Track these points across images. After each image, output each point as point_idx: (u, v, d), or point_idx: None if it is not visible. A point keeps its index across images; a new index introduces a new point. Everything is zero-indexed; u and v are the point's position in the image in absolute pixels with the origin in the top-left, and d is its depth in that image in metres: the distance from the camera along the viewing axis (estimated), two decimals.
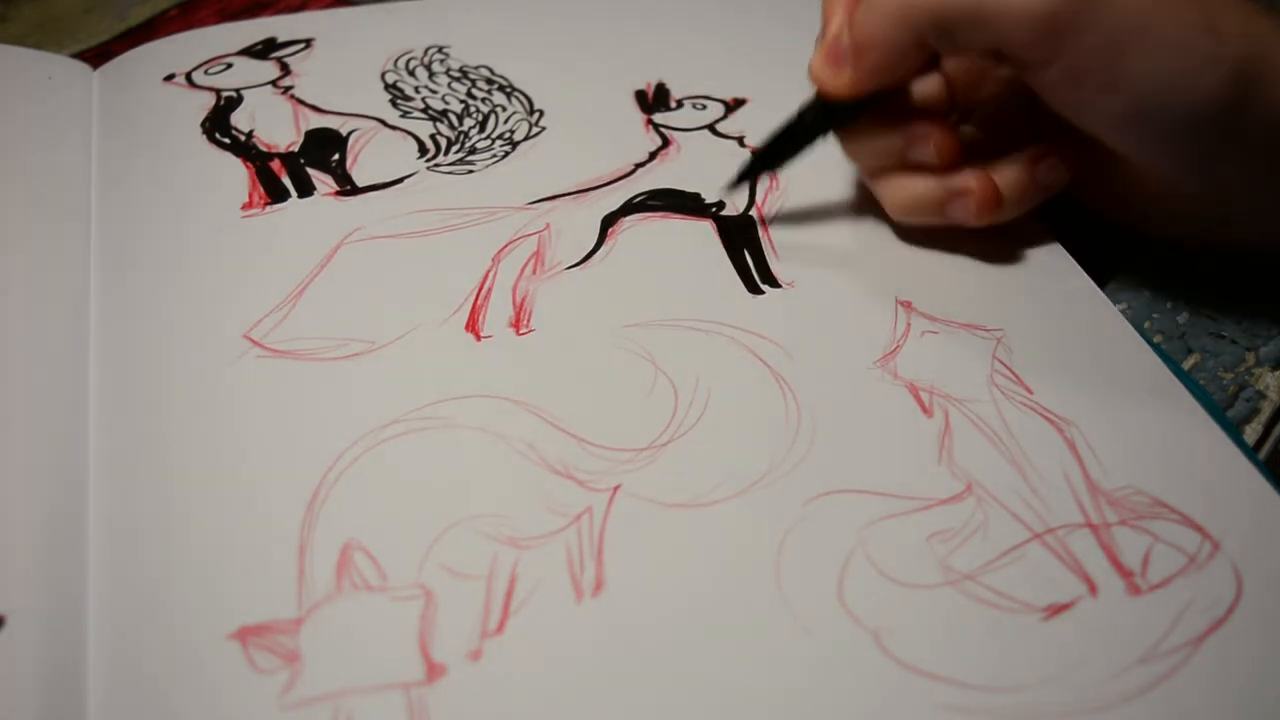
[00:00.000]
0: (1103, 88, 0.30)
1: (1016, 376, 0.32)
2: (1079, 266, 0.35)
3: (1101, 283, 0.35)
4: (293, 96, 0.44)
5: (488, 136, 0.42)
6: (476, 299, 0.34)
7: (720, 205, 0.38)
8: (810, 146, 0.35)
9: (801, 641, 0.26)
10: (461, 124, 0.42)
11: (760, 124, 0.42)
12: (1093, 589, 0.27)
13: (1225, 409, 0.33)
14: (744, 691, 0.25)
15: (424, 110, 0.43)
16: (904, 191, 0.35)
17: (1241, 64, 0.29)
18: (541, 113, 0.43)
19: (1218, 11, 0.30)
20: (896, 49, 0.32)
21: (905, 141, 0.34)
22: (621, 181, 0.39)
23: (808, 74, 0.34)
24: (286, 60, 0.46)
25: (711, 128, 0.42)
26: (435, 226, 0.37)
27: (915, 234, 0.36)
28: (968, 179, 0.34)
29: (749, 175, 0.36)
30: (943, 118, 0.34)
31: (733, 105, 0.43)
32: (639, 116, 0.43)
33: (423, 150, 0.41)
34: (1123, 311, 0.34)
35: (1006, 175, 0.34)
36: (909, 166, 0.34)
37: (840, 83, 0.33)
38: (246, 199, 0.38)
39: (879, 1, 0.32)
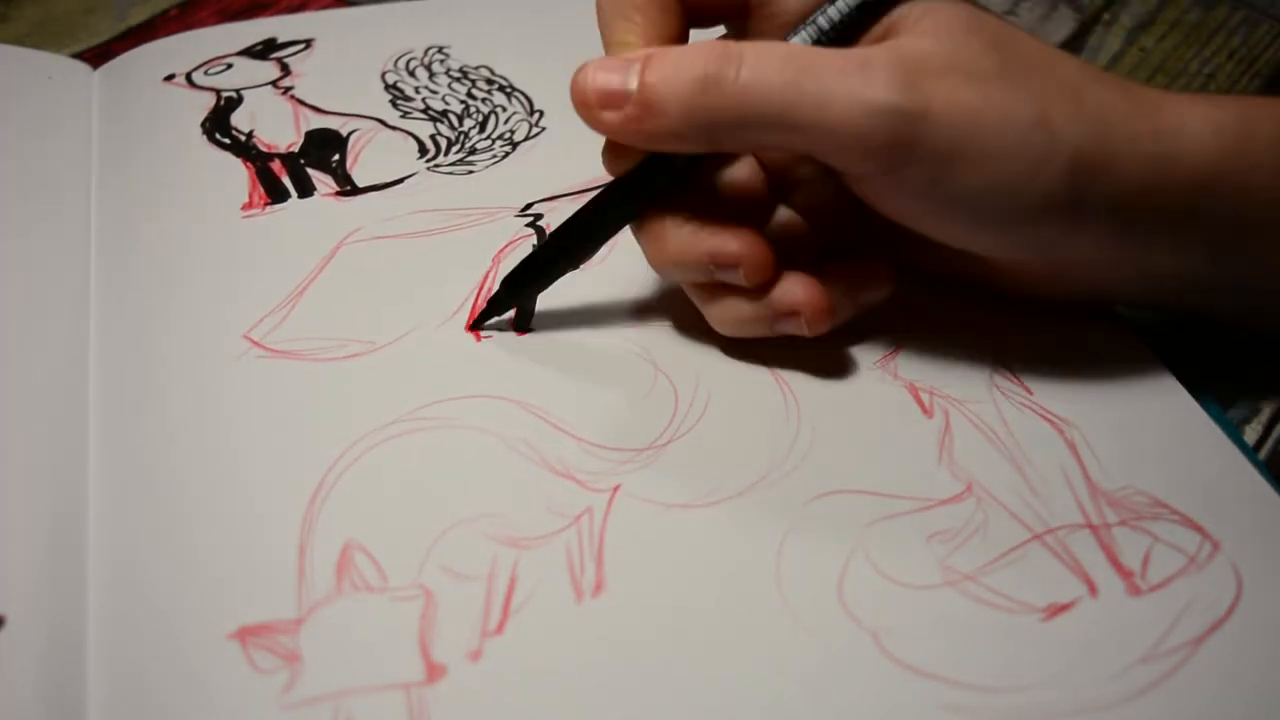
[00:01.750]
0: (932, 200, 0.28)
1: (1016, 377, 0.32)
2: None
3: None
4: (293, 97, 0.44)
5: (488, 137, 0.42)
6: (476, 299, 0.34)
7: None
8: (599, 247, 0.32)
9: (801, 642, 0.26)
10: (462, 124, 0.43)
11: None
12: (1093, 589, 0.27)
13: (1225, 409, 0.33)
14: (744, 692, 0.25)
15: (424, 111, 0.43)
16: (729, 312, 0.31)
17: (1077, 153, 0.27)
18: (542, 113, 0.43)
19: (1050, 99, 0.27)
20: (686, 127, 0.28)
21: (710, 262, 0.29)
22: None
23: (572, 90, 0.29)
24: (286, 61, 0.46)
25: None
26: (435, 227, 0.37)
27: None
28: (794, 294, 0.30)
29: (501, 307, 0.33)
30: (752, 219, 0.30)
31: None
32: None
33: (423, 151, 0.41)
34: (1123, 311, 0.34)
35: (833, 280, 0.31)
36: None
37: (610, 124, 0.28)
38: (246, 199, 0.38)
39: (681, 64, 0.27)
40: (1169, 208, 0.28)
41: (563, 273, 0.33)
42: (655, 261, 0.31)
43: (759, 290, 0.30)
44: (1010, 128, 0.27)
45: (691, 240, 0.30)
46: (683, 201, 0.30)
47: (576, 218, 0.32)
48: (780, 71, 0.27)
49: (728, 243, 0.29)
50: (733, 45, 0.28)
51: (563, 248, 0.32)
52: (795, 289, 0.30)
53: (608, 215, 0.31)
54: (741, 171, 0.30)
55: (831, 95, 0.26)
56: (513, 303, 0.33)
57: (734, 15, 0.32)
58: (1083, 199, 0.28)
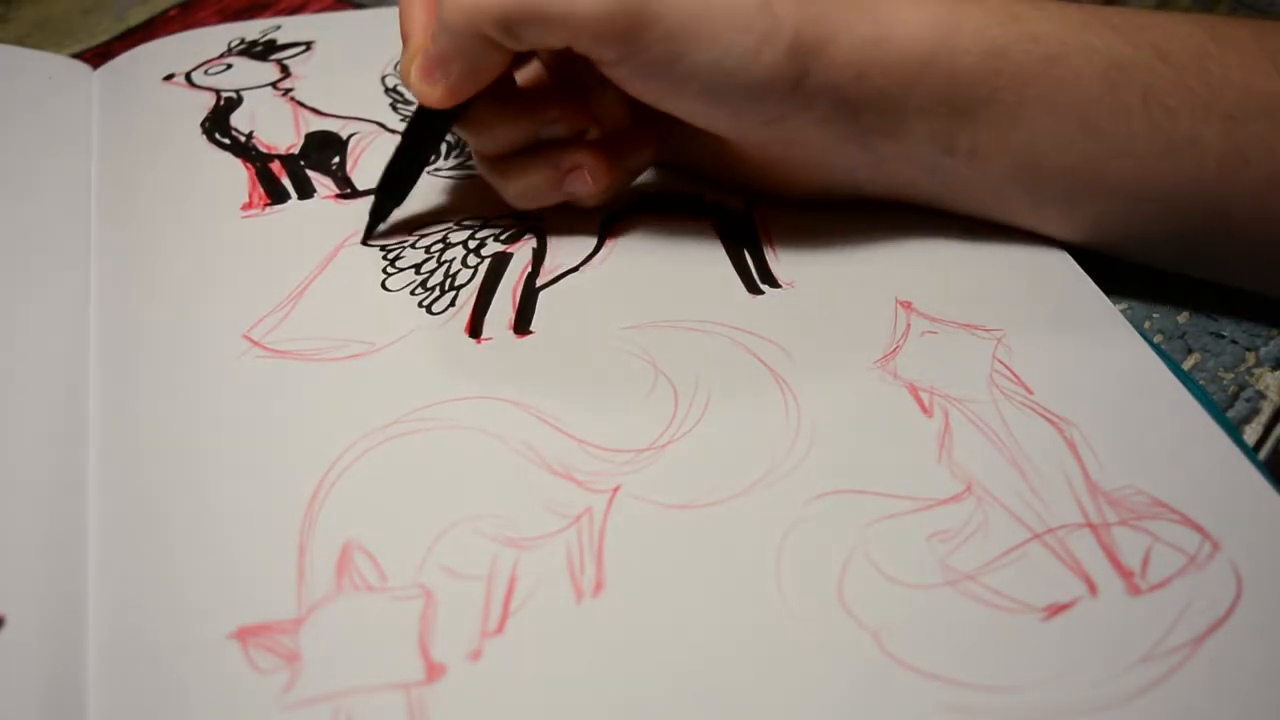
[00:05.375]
0: (671, 78, 0.32)
1: (1016, 376, 0.32)
2: (1079, 266, 0.35)
3: (1101, 283, 0.35)
4: (293, 98, 0.44)
5: None
6: (476, 302, 0.34)
7: (721, 204, 0.38)
8: (432, 154, 0.37)
9: (802, 642, 0.26)
10: None
11: None
12: (1093, 589, 0.27)
13: (1225, 409, 0.33)
14: (744, 692, 0.25)
15: None
16: (525, 184, 0.35)
17: (797, 35, 0.31)
18: None
19: None
20: (476, 55, 0.32)
21: (534, 124, 0.35)
22: None
23: (406, 85, 0.34)
24: (286, 62, 0.46)
25: None
26: (435, 230, 0.37)
27: (915, 234, 0.36)
28: (578, 154, 0.35)
29: (383, 211, 0.37)
30: (562, 94, 0.36)
31: None
32: None
33: None
34: (1123, 311, 0.34)
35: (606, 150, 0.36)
36: (531, 149, 0.35)
37: (437, 95, 0.33)
38: (246, 199, 0.38)
39: (449, 12, 0.31)
40: (883, 88, 0.32)
41: (418, 173, 0.37)
42: (481, 146, 0.36)
43: (554, 157, 0.35)
44: (737, 11, 0.31)
45: (515, 116, 0.35)
46: (500, 95, 0.34)
47: (413, 125, 0.36)
48: None
49: (548, 106, 0.35)
50: None
51: (411, 152, 0.36)
52: (579, 150, 0.35)
53: (441, 115, 0.34)
54: (530, 73, 0.37)
55: None
56: (388, 205, 0.37)
57: None
58: (804, 76, 0.32)
